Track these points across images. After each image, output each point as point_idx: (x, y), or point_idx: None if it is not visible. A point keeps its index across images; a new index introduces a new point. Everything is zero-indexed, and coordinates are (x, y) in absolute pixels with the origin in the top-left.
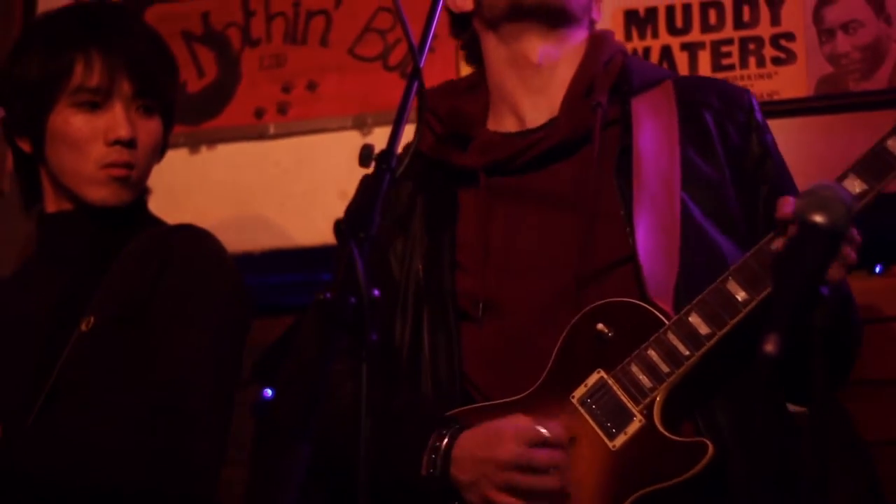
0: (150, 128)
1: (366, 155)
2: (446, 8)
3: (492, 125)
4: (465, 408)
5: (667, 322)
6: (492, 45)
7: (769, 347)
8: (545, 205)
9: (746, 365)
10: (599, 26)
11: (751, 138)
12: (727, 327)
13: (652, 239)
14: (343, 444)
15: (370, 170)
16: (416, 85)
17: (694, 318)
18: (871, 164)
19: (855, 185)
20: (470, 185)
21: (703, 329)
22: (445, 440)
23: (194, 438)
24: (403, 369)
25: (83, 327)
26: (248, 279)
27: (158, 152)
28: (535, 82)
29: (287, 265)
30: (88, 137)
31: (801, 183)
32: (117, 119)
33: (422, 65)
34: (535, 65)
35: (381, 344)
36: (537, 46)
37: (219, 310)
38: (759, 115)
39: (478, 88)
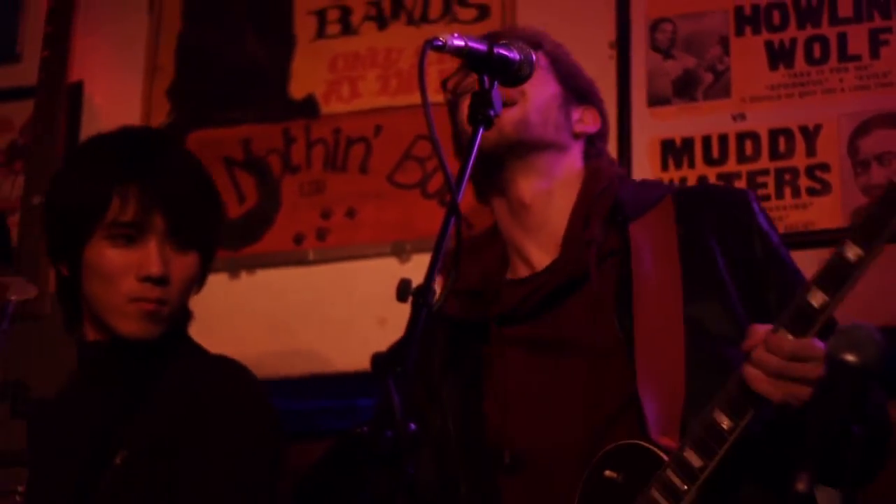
0: (184, 263)
1: (403, 289)
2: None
3: (509, 275)
4: None
5: (666, 459)
6: (496, 202)
7: (801, 486)
8: (554, 350)
9: (748, 486)
10: (636, 156)
11: (754, 246)
12: (717, 457)
13: (654, 376)
14: None
15: (407, 303)
16: (452, 220)
17: (687, 452)
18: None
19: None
20: (486, 338)
21: (696, 462)
22: None
23: None
24: None
25: (117, 461)
26: (286, 404)
27: (195, 285)
28: (532, 222)
29: (325, 391)
30: (120, 271)
31: (837, 314)
32: (150, 256)
33: (460, 199)
34: (528, 204)
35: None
36: (522, 184)
37: (251, 445)
38: (761, 219)
39: (493, 241)
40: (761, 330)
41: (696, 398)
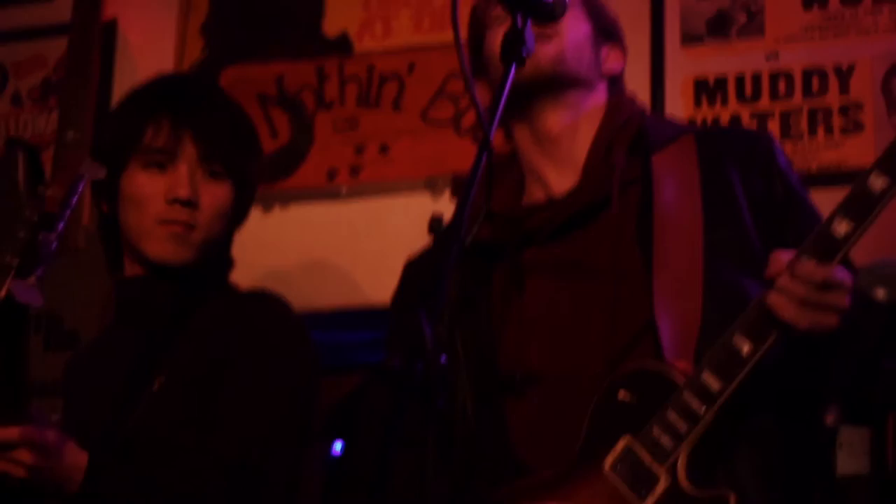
0: (216, 191)
1: (435, 224)
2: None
3: (525, 200)
4: (508, 487)
5: (682, 381)
6: (518, 130)
7: (829, 420)
8: (572, 274)
9: (766, 414)
10: (670, 94)
11: (774, 184)
12: (736, 381)
13: (671, 300)
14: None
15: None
16: (485, 157)
17: (706, 375)
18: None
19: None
20: (502, 259)
21: (715, 385)
22: None
23: (264, 498)
24: (455, 443)
25: (155, 387)
26: (319, 336)
27: (228, 217)
28: (558, 153)
29: (357, 323)
30: (151, 195)
31: (869, 251)
32: (179, 179)
33: (492, 136)
34: (555, 136)
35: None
36: (551, 117)
37: (287, 371)
38: (781, 160)
39: (511, 167)
40: (784, 257)
41: (711, 325)
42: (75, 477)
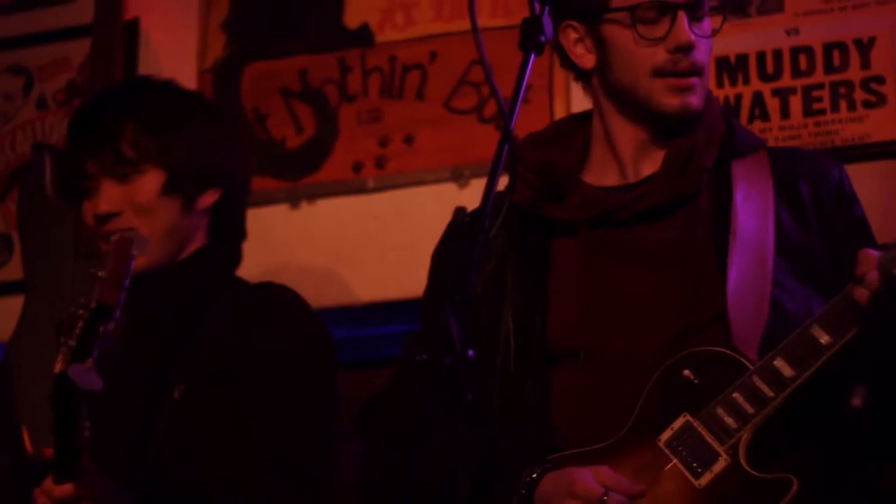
0: (134, 189)
1: (459, 217)
2: (564, 53)
3: (589, 177)
4: (555, 455)
5: (751, 367)
6: (610, 111)
7: (856, 401)
8: (642, 259)
9: (830, 406)
10: None
11: (840, 207)
12: (811, 370)
13: (742, 296)
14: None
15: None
16: (506, 148)
17: (778, 362)
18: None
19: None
20: (567, 236)
21: (788, 372)
22: (535, 474)
23: (304, 494)
24: (496, 414)
25: (175, 395)
26: (349, 332)
27: (163, 207)
28: (650, 148)
29: (388, 317)
30: (90, 221)
31: (893, 224)
32: (97, 198)
33: (513, 126)
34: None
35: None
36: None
37: (310, 366)
38: (848, 187)
39: (570, 137)
40: (874, 255)
41: (776, 326)
42: None
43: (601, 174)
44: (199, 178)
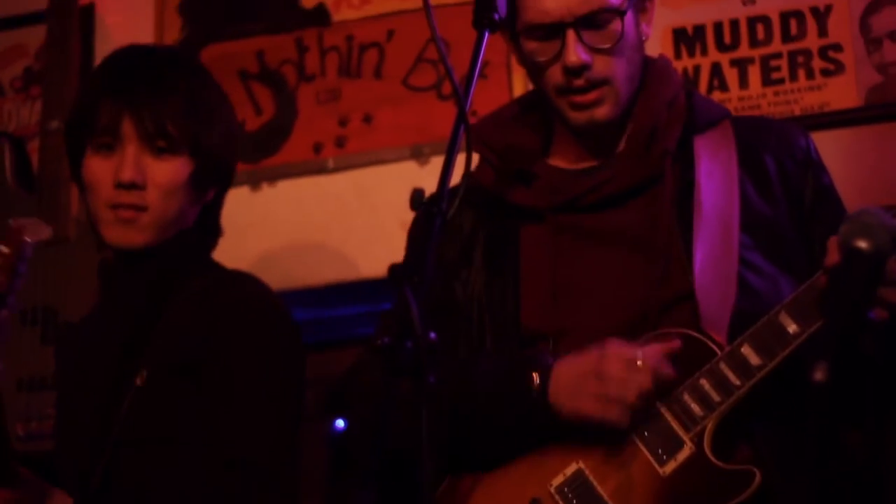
0: (164, 169)
1: (417, 199)
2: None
3: (554, 159)
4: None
5: (719, 352)
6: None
7: (818, 375)
8: (608, 242)
9: (796, 393)
10: (649, 46)
11: (807, 176)
12: (778, 359)
13: (709, 276)
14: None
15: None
16: (461, 129)
17: (746, 349)
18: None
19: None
20: (533, 221)
21: (755, 360)
22: (537, 379)
23: (266, 490)
24: None
25: (138, 381)
26: (314, 312)
27: (185, 192)
28: (608, 128)
29: (352, 297)
30: (101, 179)
31: (855, 193)
32: (123, 161)
33: (468, 105)
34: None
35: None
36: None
37: (275, 357)
38: (815, 155)
39: (532, 115)
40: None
41: (744, 306)
42: None
43: (565, 155)
44: (216, 175)
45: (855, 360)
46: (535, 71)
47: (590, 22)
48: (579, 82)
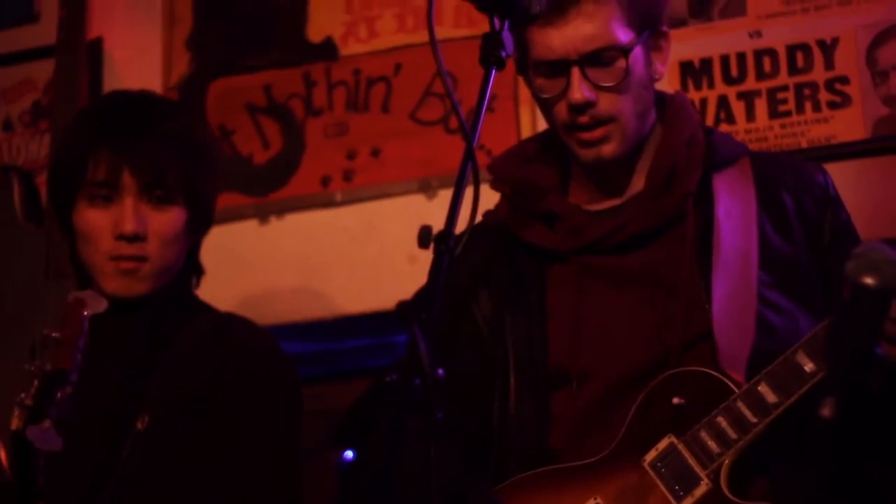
0: (163, 219)
1: (424, 236)
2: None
3: (573, 197)
4: (541, 469)
5: (737, 391)
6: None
7: (825, 411)
8: (629, 283)
9: (812, 431)
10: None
11: (826, 213)
12: (794, 397)
13: (728, 315)
14: None
15: (429, 250)
16: (469, 166)
17: (763, 388)
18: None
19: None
20: (557, 261)
21: (771, 398)
22: None
23: None
24: (493, 433)
25: (139, 426)
26: (322, 345)
27: (182, 240)
28: (624, 167)
29: (359, 330)
30: (99, 231)
31: (862, 225)
32: (124, 213)
33: (476, 141)
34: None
35: (472, 403)
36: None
37: (275, 396)
38: (833, 191)
39: (550, 151)
40: None
41: (762, 344)
42: None
43: (582, 193)
44: (207, 219)
45: (862, 396)
46: (543, 106)
47: (595, 59)
48: (584, 119)
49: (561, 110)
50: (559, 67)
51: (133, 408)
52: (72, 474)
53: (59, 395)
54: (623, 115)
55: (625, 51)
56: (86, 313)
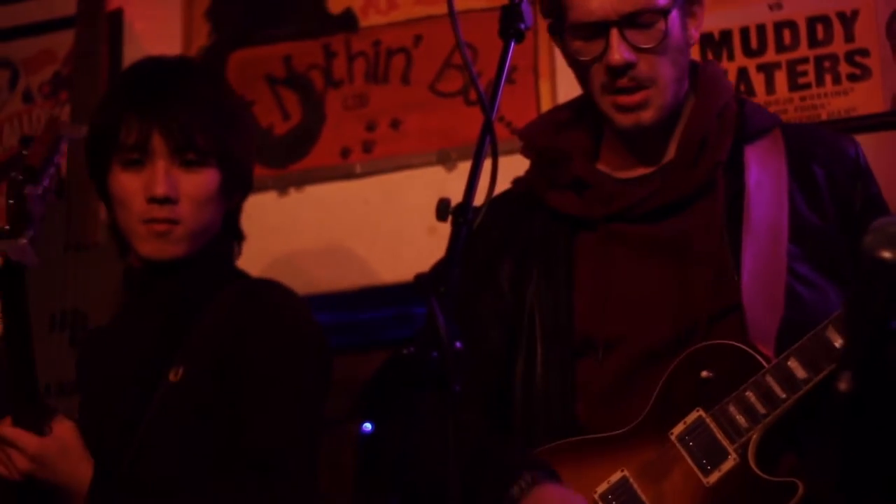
0: (195, 181)
1: (443, 209)
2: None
3: (603, 164)
4: (565, 440)
5: (766, 365)
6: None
7: (842, 385)
8: (658, 252)
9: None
10: None
11: (856, 186)
12: (823, 373)
13: (757, 287)
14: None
15: (447, 223)
16: (487, 139)
17: (792, 363)
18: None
19: None
20: (585, 228)
21: (801, 373)
22: (517, 489)
23: (286, 495)
24: (516, 400)
25: (172, 377)
26: (341, 316)
27: (216, 202)
28: (657, 134)
29: (379, 301)
30: (132, 194)
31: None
32: (155, 176)
33: (495, 113)
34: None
35: (494, 368)
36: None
37: (305, 365)
38: (864, 164)
39: (583, 118)
40: None
41: (792, 317)
42: (78, 489)
43: (614, 160)
44: (241, 182)
45: (879, 371)
46: (580, 71)
47: (634, 21)
48: (623, 81)
49: (599, 73)
50: (598, 29)
51: (167, 360)
52: (103, 422)
53: (29, 192)
54: (662, 79)
55: (664, 12)
56: (64, 133)
